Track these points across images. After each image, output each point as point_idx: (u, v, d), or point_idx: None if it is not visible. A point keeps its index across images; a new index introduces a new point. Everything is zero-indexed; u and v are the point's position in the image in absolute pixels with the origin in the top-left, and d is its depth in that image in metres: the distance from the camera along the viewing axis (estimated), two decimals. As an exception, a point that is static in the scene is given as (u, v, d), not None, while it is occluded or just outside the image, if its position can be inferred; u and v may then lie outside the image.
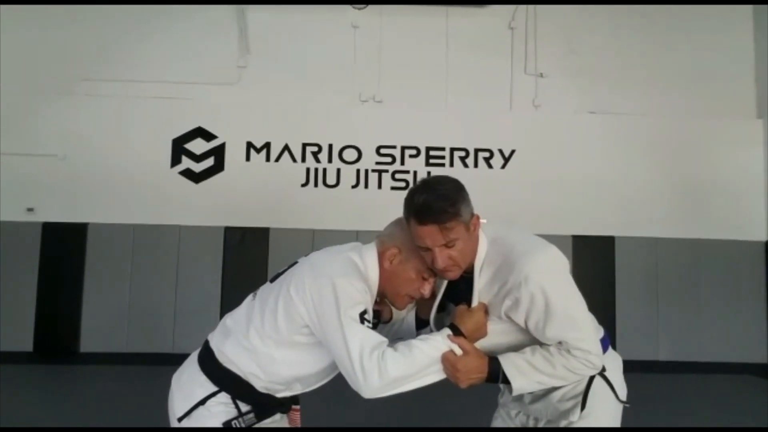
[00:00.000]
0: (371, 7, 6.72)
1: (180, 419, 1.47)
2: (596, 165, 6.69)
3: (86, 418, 3.83)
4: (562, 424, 1.48)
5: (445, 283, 1.52)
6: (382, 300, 1.58)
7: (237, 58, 6.62)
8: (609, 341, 1.58)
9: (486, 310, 1.44)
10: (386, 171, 6.64)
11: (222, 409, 1.45)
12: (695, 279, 6.54)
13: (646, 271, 6.54)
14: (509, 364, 1.39)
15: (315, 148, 6.61)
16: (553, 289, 1.36)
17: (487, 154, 6.70)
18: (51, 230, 6.22)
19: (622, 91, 6.82)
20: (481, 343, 1.43)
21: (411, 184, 6.41)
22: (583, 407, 1.46)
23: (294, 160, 6.59)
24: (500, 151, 6.71)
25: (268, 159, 6.57)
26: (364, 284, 1.41)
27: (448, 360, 1.34)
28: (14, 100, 6.27)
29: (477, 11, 6.80)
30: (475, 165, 6.67)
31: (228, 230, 6.40)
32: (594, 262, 6.30)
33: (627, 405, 1.53)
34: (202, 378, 1.49)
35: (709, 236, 6.59)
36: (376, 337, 1.34)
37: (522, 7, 6.81)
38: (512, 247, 1.41)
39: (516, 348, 1.44)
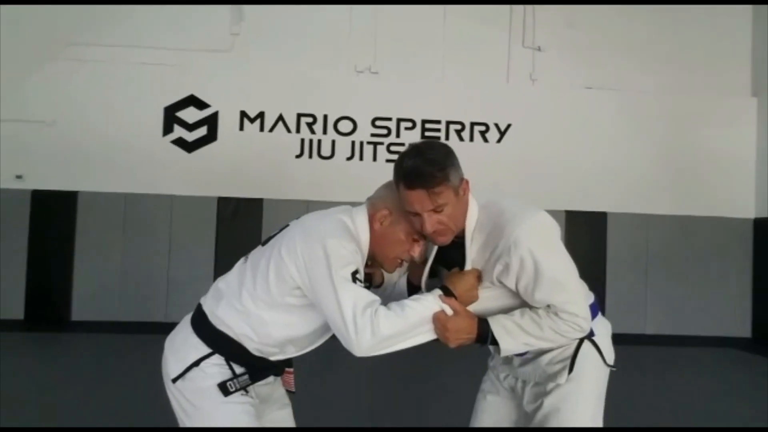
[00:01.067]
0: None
1: (174, 380, 1.48)
2: (591, 141, 6.69)
3: (78, 387, 3.85)
4: (550, 386, 1.51)
5: (435, 247, 1.53)
6: (372, 263, 1.58)
7: (230, 25, 6.48)
8: (598, 307, 1.60)
9: (479, 276, 1.45)
10: (381, 143, 6.59)
11: (216, 370, 1.46)
12: (684, 255, 6.63)
13: (636, 247, 6.61)
14: (498, 325, 1.40)
15: (310, 119, 6.54)
16: (542, 252, 1.36)
17: (483, 128, 6.67)
18: (40, 198, 6.17)
19: (619, 67, 6.77)
20: (475, 308, 1.44)
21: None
22: (570, 370, 1.48)
23: (288, 131, 6.52)
24: (496, 125, 6.67)
25: (262, 129, 6.50)
26: (354, 245, 1.41)
27: (438, 320, 1.36)
28: (1, 65, 6.12)
29: (475, -18, 6.68)
30: (471, 138, 6.64)
31: (221, 200, 6.37)
32: (586, 238, 6.36)
33: (614, 369, 1.56)
34: (196, 340, 1.49)
35: (699, 213, 6.65)
36: (368, 296, 1.35)
37: (521, -21, 6.69)
38: (502, 213, 1.41)
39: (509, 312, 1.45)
